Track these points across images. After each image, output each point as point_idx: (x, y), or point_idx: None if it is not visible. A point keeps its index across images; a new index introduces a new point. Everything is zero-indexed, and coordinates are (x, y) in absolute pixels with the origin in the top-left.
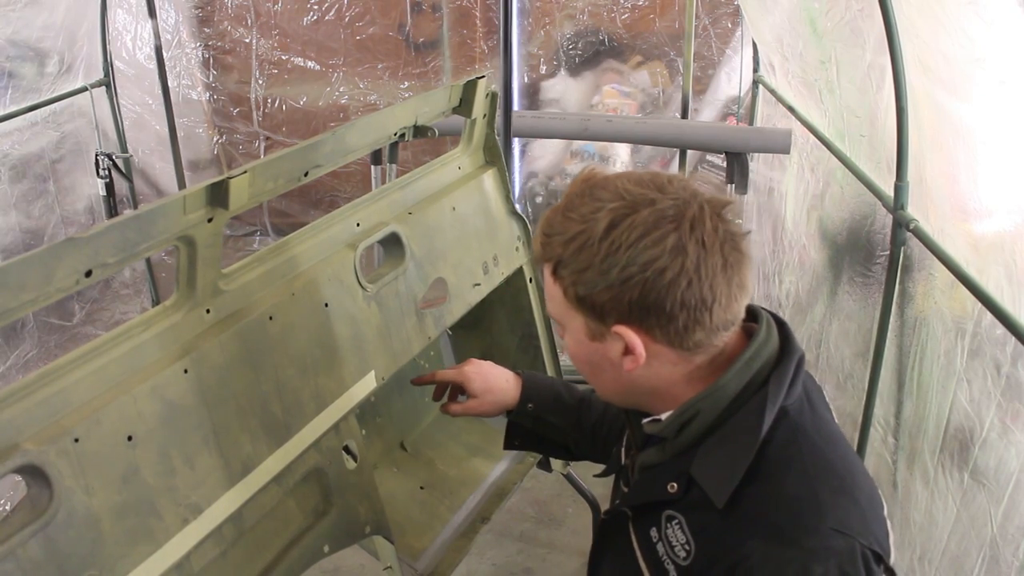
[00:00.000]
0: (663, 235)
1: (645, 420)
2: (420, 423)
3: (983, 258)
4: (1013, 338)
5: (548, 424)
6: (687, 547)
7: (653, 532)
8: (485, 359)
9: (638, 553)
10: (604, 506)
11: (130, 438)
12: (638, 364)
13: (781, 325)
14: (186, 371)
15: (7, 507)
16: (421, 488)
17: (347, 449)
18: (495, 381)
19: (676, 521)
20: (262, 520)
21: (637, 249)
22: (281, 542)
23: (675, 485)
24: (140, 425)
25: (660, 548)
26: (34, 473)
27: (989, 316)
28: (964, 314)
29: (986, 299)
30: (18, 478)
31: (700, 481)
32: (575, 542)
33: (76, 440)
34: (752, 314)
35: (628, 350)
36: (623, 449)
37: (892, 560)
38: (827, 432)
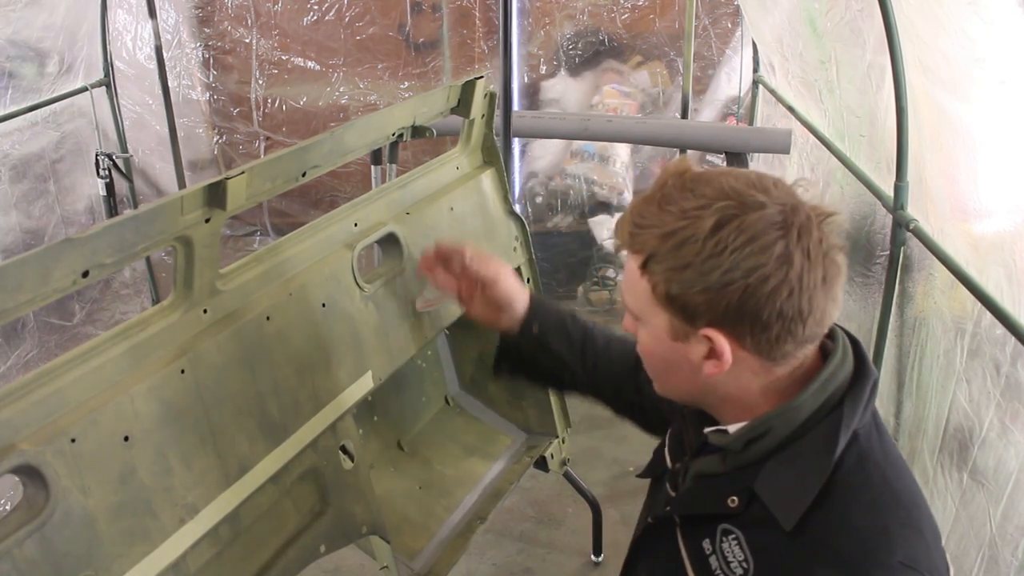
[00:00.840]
0: (771, 242)
1: (709, 429)
2: (417, 423)
3: (983, 258)
4: (1013, 338)
5: (548, 351)
6: (745, 565)
7: (706, 544)
8: (482, 359)
9: (687, 563)
10: (604, 506)
11: (127, 438)
12: (721, 370)
13: (855, 344)
14: (183, 371)
15: (7, 507)
16: (418, 488)
17: (344, 449)
18: (515, 292)
19: (733, 537)
20: (258, 520)
21: (743, 254)
22: (277, 542)
23: (736, 500)
24: (137, 425)
25: (713, 562)
26: (31, 473)
27: (989, 316)
28: (964, 314)
29: (986, 299)
30: (17, 478)
31: (765, 499)
32: (575, 542)
33: (73, 440)
34: (828, 331)
35: (713, 354)
36: (667, 450)
37: None
38: (894, 460)
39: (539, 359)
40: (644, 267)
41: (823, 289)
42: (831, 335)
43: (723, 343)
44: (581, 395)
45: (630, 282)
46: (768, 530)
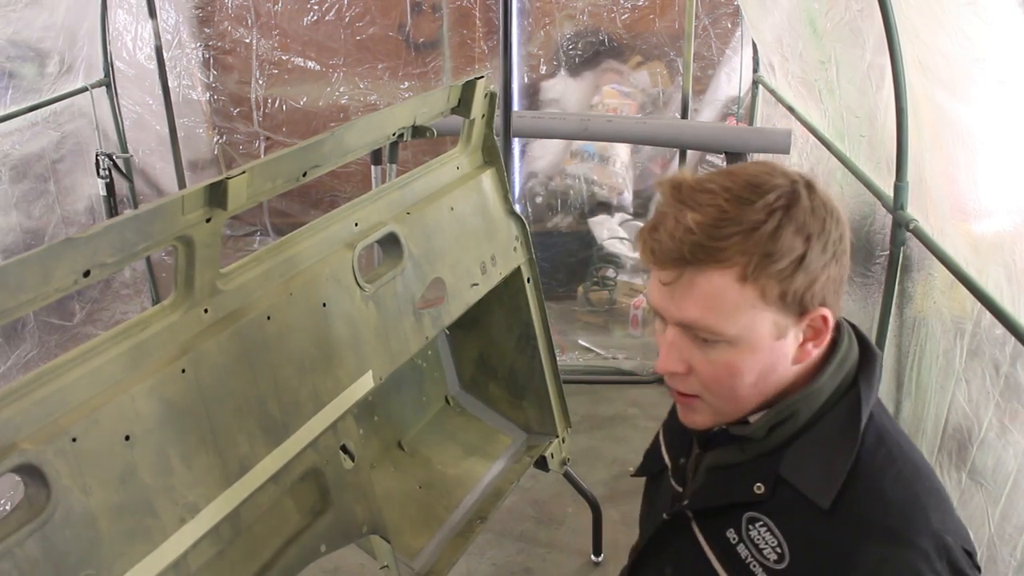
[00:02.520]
0: (836, 207)
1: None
2: (418, 423)
3: (983, 258)
4: (1012, 338)
5: None
6: (779, 550)
7: (731, 534)
8: (483, 359)
9: (711, 556)
10: (604, 506)
11: (128, 438)
12: (820, 347)
13: (854, 326)
14: (184, 371)
15: (7, 507)
16: (418, 487)
17: (344, 449)
18: None
19: (762, 524)
20: (259, 519)
21: (832, 219)
22: (278, 541)
23: (762, 487)
24: (138, 425)
25: (743, 551)
26: (32, 473)
27: (988, 316)
28: (963, 314)
29: (985, 299)
30: (17, 478)
31: (795, 483)
32: (575, 542)
33: (74, 440)
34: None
35: (813, 336)
36: (664, 448)
37: None
38: (902, 433)
39: None
40: (749, 275)
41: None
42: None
43: (830, 317)
44: None
45: (719, 303)
46: (801, 512)
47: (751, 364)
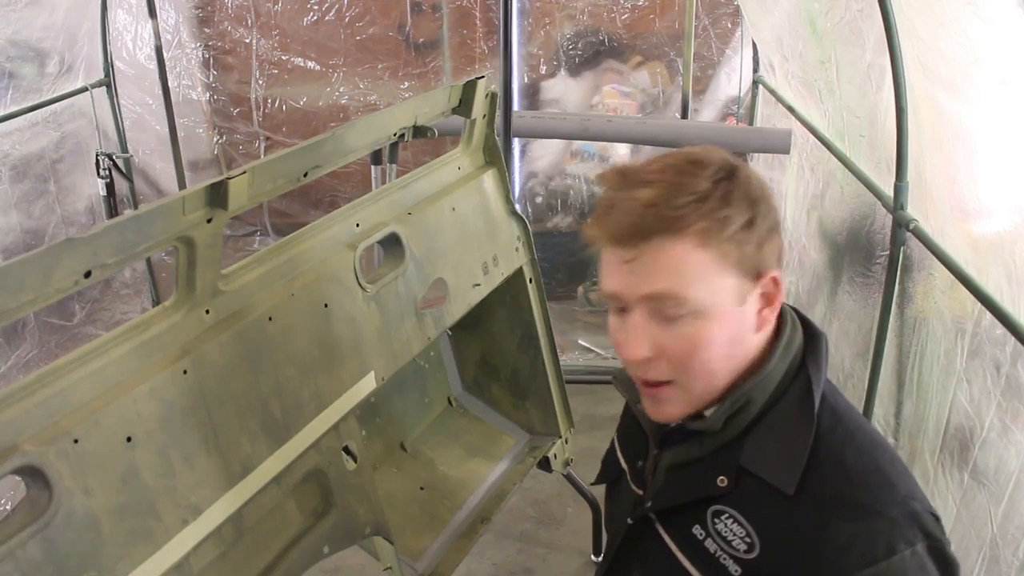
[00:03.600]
0: (762, 181)
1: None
2: (420, 424)
3: (983, 258)
4: (1013, 338)
5: None
6: (748, 540)
7: (697, 531)
8: (485, 360)
9: (679, 555)
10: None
11: (129, 439)
12: (776, 312)
13: (794, 308)
14: (185, 372)
15: (7, 507)
16: (421, 489)
17: (347, 450)
18: None
19: (727, 516)
20: (262, 521)
21: (763, 191)
22: (281, 543)
23: (725, 479)
24: (139, 426)
25: (711, 545)
26: (33, 474)
27: (989, 316)
28: (964, 314)
29: (986, 299)
30: (18, 479)
31: (758, 471)
32: (575, 542)
33: (75, 441)
34: None
35: (768, 301)
36: (619, 453)
37: None
38: (854, 409)
39: None
40: (706, 242)
41: None
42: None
43: (778, 274)
44: None
45: (681, 272)
46: (767, 500)
47: (718, 334)
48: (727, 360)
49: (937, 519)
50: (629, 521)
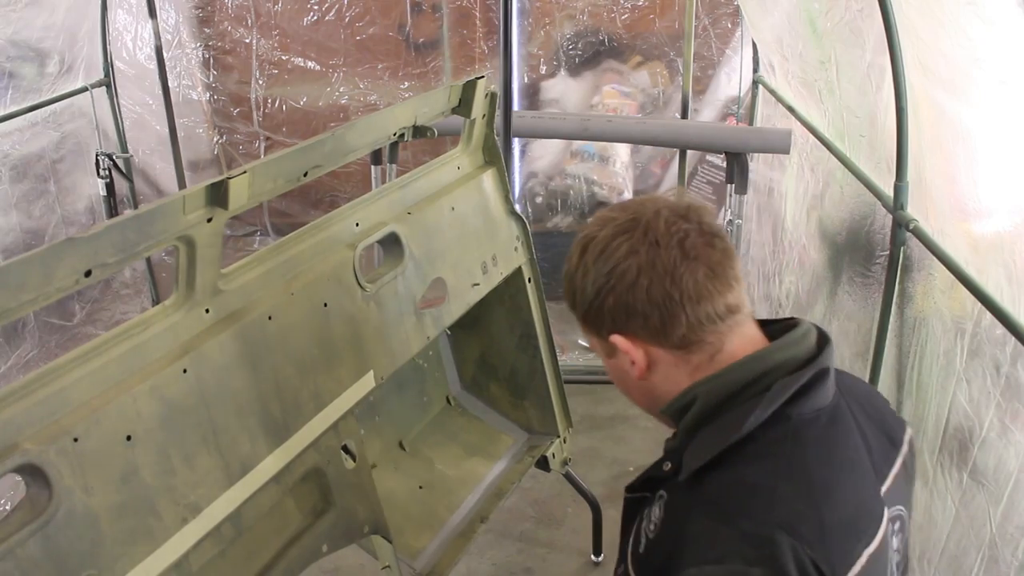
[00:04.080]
0: (618, 244)
1: (662, 407)
2: (419, 423)
3: (983, 258)
4: (1013, 338)
5: None
6: (656, 521)
7: (647, 509)
8: (484, 359)
9: (634, 527)
10: (604, 506)
11: (129, 438)
12: (642, 368)
13: (823, 341)
14: (185, 371)
15: (7, 507)
16: (420, 488)
17: (346, 449)
18: None
19: (661, 497)
20: (261, 519)
21: (600, 262)
22: (280, 541)
23: (669, 464)
24: (139, 425)
25: (644, 525)
26: (33, 473)
27: (989, 316)
28: (964, 314)
29: (986, 299)
30: (18, 478)
31: (685, 463)
32: (575, 542)
33: (75, 440)
34: (792, 323)
35: (628, 357)
36: None
37: None
38: (832, 454)
39: None
40: (576, 314)
41: (687, 268)
42: (793, 327)
43: (625, 344)
44: None
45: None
46: (679, 488)
47: (613, 374)
48: (633, 393)
49: (816, 571)
50: (626, 494)
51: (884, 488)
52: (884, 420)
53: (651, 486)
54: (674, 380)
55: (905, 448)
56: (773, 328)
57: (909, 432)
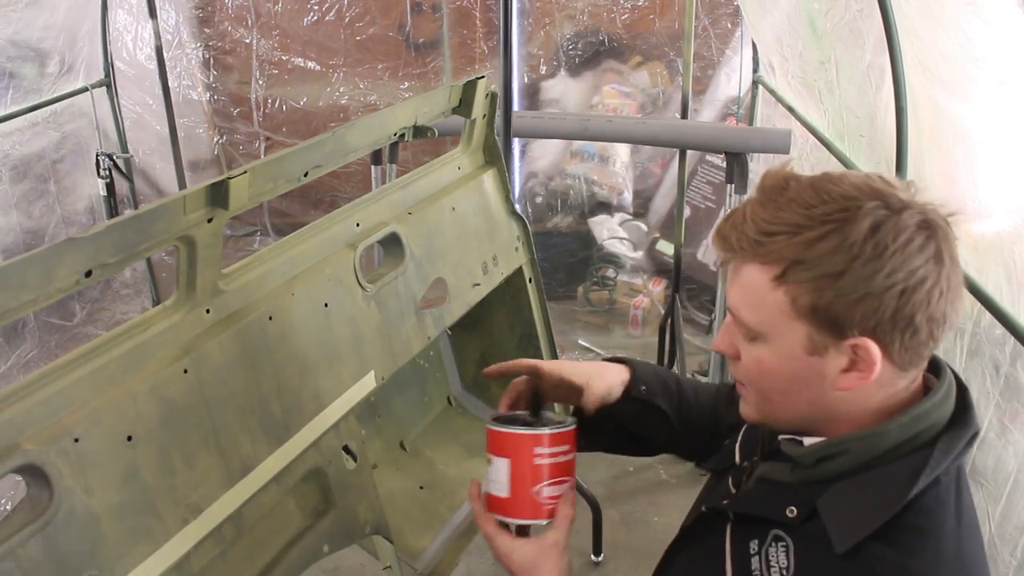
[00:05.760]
0: (924, 242)
1: (784, 436)
2: (420, 423)
3: (982, 258)
4: (1012, 338)
5: (654, 411)
6: (785, 572)
7: (753, 544)
8: (485, 359)
9: (728, 559)
10: (604, 506)
11: (130, 438)
12: (865, 382)
13: (962, 391)
14: (186, 371)
15: (7, 507)
16: (421, 488)
17: (347, 449)
18: (591, 367)
19: (783, 544)
20: (262, 520)
21: (905, 255)
22: (281, 542)
23: (795, 511)
24: (140, 425)
25: (755, 563)
26: (34, 473)
27: (988, 316)
28: (963, 314)
29: (985, 299)
30: (18, 478)
31: (825, 519)
32: (575, 542)
33: (76, 440)
34: (935, 366)
35: (856, 365)
36: (738, 446)
37: None
38: (969, 519)
39: (639, 424)
40: (782, 277)
41: (960, 293)
42: (939, 372)
43: (875, 352)
44: (679, 455)
45: (753, 297)
46: (820, 548)
47: (780, 370)
48: (787, 397)
49: None
50: (703, 508)
51: None
52: None
53: (756, 520)
54: (863, 400)
55: None
56: None
57: None
